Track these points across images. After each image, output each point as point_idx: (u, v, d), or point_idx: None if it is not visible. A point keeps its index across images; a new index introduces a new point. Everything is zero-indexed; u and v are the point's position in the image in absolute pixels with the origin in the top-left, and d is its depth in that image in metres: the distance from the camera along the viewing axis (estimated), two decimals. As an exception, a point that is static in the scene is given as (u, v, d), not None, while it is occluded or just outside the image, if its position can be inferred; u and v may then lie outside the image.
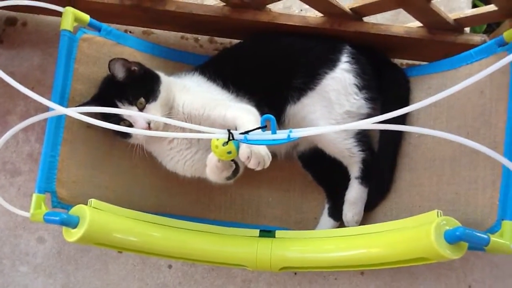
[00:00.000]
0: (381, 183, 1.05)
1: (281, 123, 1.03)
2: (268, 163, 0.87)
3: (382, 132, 1.06)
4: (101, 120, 0.95)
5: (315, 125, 1.01)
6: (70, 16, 0.99)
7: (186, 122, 0.99)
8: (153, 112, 0.94)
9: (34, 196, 0.93)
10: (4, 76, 0.80)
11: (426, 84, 1.08)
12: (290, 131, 0.78)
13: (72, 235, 0.86)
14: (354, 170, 1.05)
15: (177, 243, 0.98)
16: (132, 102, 0.94)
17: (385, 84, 1.08)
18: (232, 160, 0.97)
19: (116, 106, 0.94)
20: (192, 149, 1.02)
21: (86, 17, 1.02)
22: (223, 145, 0.82)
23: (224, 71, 1.05)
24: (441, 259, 0.78)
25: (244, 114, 0.92)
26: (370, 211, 1.06)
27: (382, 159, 1.06)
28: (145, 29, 1.25)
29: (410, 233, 0.82)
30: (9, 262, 1.15)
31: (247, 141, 0.79)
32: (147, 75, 0.99)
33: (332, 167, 1.08)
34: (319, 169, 1.11)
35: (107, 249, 1.15)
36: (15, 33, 1.29)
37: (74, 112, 0.79)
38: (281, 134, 0.78)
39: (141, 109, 0.95)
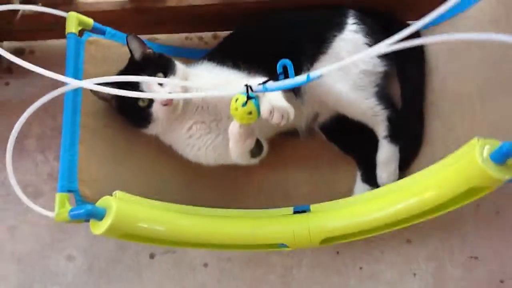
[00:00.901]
0: (412, 137, 1.01)
1: (298, 94, 1.01)
2: (292, 114, 0.83)
3: (404, 85, 1.03)
4: (120, 102, 0.96)
5: (333, 89, 0.99)
6: (74, 20, 1.00)
7: (202, 107, 0.99)
8: (172, 86, 0.93)
9: (57, 195, 0.89)
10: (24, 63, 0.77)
11: (439, 33, 1.05)
12: (308, 75, 0.75)
13: (99, 227, 0.83)
14: (381, 129, 1.01)
15: (208, 229, 0.94)
16: (151, 75, 0.92)
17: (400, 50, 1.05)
18: (257, 143, 0.95)
19: (135, 82, 0.92)
20: (211, 134, 0.99)
21: (90, 21, 1.03)
22: (243, 106, 0.79)
23: (232, 53, 1.04)
24: (493, 182, 0.73)
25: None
26: (405, 170, 1.01)
27: (408, 112, 1.02)
28: (149, 36, 1.26)
29: (456, 167, 0.77)
30: (40, 285, 1.11)
31: (266, 89, 0.77)
32: (162, 57, 0.99)
33: (358, 133, 1.04)
34: (345, 138, 1.07)
35: (139, 258, 1.10)
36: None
37: (91, 84, 0.77)
38: (300, 77, 0.75)
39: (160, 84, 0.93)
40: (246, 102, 0.79)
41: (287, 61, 0.76)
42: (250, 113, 0.80)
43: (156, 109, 0.93)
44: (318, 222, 0.93)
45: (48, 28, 1.20)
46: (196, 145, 1.00)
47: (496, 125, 0.90)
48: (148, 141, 1.03)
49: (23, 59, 1.30)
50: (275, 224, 0.95)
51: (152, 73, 0.93)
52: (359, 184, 1.04)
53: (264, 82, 0.77)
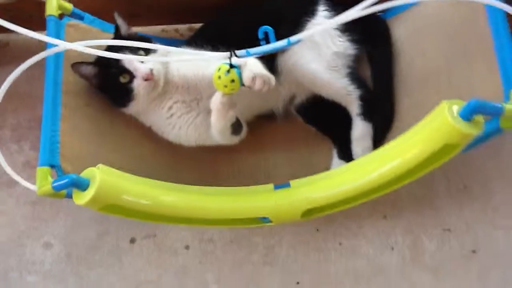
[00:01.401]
0: (384, 114, 1.06)
1: (275, 72, 1.04)
2: (273, 81, 0.87)
3: (373, 67, 1.09)
4: (101, 79, 0.98)
5: (307, 69, 1.03)
6: (54, 3, 1.01)
7: (183, 87, 1.01)
8: (153, 62, 0.95)
9: (38, 169, 0.89)
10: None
11: (402, 22, 1.11)
12: (288, 39, 0.79)
13: (83, 197, 0.82)
14: (354, 108, 1.05)
15: (192, 203, 0.94)
16: (132, 51, 0.93)
17: (369, 35, 1.11)
18: (236, 122, 0.97)
19: (118, 62, 0.94)
20: (192, 113, 1.02)
21: (69, 5, 1.04)
22: (226, 74, 0.82)
23: (210, 37, 1.07)
24: (464, 138, 0.77)
25: None
26: (379, 146, 1.04)
27: (379, 91, 1.07)
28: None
29: (430, 127, 0.80)
30: (16, 274, 1.08)
31: (249, 54, 0.80)
32: (143, 38, 1.02)
33: (333, 113, 1.09)
34: (320, 118, 1.11)
35: (119, 243, 1.09)
36: (8, 54, 1.30)
37: (78, 46, 0.78)
38: (281, 42, 0.79)
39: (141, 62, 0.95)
40: (229, 70, 0.82)
41: (268, 27, 0.80)
42: (232, 81, 0.83)
43: (137, 84, 0.95)
44: (299, 194, 0.95)
45: (26, 18, 1.20)
46: (177, 124, 1.02)
47: (462, 98, 0.95)
48: (128, 122, 1.04)
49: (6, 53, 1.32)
50: (257, 198, 0.96)
51: (134, 52, 0.95)
52: (336, 161, 1.08)
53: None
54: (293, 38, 0.78)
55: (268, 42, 0.82)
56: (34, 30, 1.05)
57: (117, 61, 0.94)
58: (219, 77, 0.83)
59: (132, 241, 1.10)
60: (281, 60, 1.04)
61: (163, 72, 0.97)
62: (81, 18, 1.07)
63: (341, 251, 1.06)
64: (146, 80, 0.94)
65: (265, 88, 0.85)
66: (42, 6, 1.05)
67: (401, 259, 1.05)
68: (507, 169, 1.10)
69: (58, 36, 1.00)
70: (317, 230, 1.08)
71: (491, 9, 0.89)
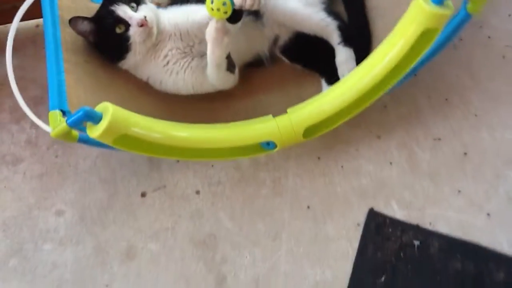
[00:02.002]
0: (362, 38, 1.15)
1: (258, 15, 1.12)
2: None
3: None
4: (98, 34, 1.03)
5: (287, 7, 1.12)
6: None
7: (175, 35, 1.07)
8: (145, 11, 1.01)
9: (50, 113, 0.92)
10: None
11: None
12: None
13: (96, 129, 0.86)
14: (335, 38, 1.14)
15: (201, 135, 1.00)
16: (125, 3, 1.01)
17: None
18: (230, 59, 1.05)
19: (111, 10, 1.01)
20: (187, 58, 1.08)
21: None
22: None
23: None
24: (441, 19, 0.87)
25: None
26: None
27: (354, 19, 1.17)
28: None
29: (409, 17, 0.89)
30: (31, 245, 1.08)
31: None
32: None
33: (315, 49, 1.17)
34: (305, 55, 1.19)
35: (130, 199, 1.12)
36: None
37: None
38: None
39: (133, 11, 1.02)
40: None
41: None
42: (224, 3, 0.90)
43: (133, 32, 1.00)
44: (298, 115, 1.01)
45: (11, 7, 1.26)
46: (174, 70, 1.08)
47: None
48: (127, 77, 1.10)
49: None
50: (260, 125, 1.02)
51: (127, 1, 1.02)
52: (325, 87, 1.15)
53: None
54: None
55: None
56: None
57: (112, 13, 1.00)
58: (212, 2, 0.90)
59: (143, 195, 1.12)
60: (262, 5, 1.12)
61: (155, 20, 1.04)
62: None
63: (344, 173, 1.12)
64: (141, 26, 1.00)
65: (255, 6, 0.92)
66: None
67: (401, 171, 1.11)
68: (479, 79, 1.21)
69: (52, 2, 1.05)
70: (319, 158, 1.14)
71: None
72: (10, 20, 1.30)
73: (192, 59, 1.08)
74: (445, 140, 1.14)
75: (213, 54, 1.00)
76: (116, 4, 1.02)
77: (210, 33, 0.97)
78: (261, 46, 1.17)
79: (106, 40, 1.04)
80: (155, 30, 1.03)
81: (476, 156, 1.12)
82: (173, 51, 1.07)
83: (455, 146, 1.13)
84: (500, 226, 1.03)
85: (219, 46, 0.98)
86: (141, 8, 1.02)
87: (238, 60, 1.13)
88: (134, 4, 1.03)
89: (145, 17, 1.00)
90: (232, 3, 0.91)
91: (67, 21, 1.04)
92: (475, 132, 1.14)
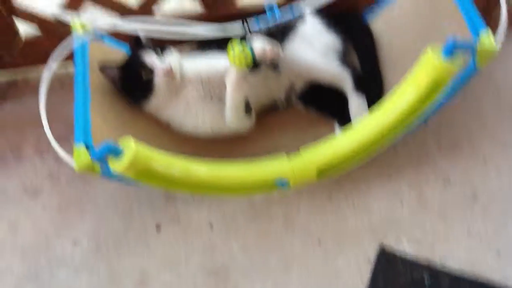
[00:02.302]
0: (374, 85, 1.21)
1: (277, 65, 1.19)
2: (281, 52, 1.03)
3: (359, 52, 1.26)
4: (124, 79, 1.11)
5: (303, 59, 1.19)
6: (78, 24, 1.16)
7: (197, 82, 1.14)
8: (171, 59, 1.10)
9: (75, 147, 0.96)
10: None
11: (379, 16, 1.31)
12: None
13: (119, 163, 0.90)
14: (348, 85, 1.20)
15: (218, 171, 1.04)
16: (151, 49, 1.09)
17: (351, 30, 1.29)
18: (246, 103, 1.12)
19: (138, 56, 1.09)
20: (207, 101, 1.15)
21: (90, 26, 1.20)
22: (239, 50, 0.98)
23: (216, 41, 1.22)
24: (450, 72, 0.93)
25: None
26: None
27: (367, 68, 1.23)
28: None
29: (420, 69, 0.96)
30: (47, 273, 1.10)
31: (259, 22, 0.96)
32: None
33: (329, 95, 1.23)
34: (320, 101, 1.25)
35: (145, 231, 1.14)
36: (18, 90, 1.43)
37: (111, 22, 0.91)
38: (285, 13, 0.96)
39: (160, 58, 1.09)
40: (242, 45, 0.98)
41: (273, 4, 0.97)
42: (245, 54, 0.99)
43: (158, 79, 1.08)
44: (312, 155, 1.06)
45: (45, 54, 1.35)
46: (194, 112, 1.14)
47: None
48: (149, 117, 1.16)
49: (17, 89, 1.45)
50: (274, 163, 1.06)
51: (154, 49, 1.10)
52: (339, 130, 1.19)
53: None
54: (296, 8, 0.95)
55: (273, 15, 0.98)
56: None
57: (139, 59, 1.09)
58: (233, 54, 0.98)
59: (158, 226, 1.15)
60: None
61: (179, 68, 1.11)
62: (101, 38, 1.22)
63: (355, 210, 1.14)
64: (165, 74, 1.08)
65: (275, 57, 1.00)
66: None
67: (411, 209, 1.13)
68: (488, 125, 1.25)
69: (83, 50, 1.13)
70: (330, 195, 1.17)
71: None
72: (44, 62, 1.42)
73: (212, 103, 1.15)
74: (454, 181, 1.17)
75: (232, 98, 1.07)
76: (144, 51, 1.10)
77: (230, 79, 1.05)
78: (278, 92, 1.24)
79: (131, 84, 1.11)
80: (178, 77, 1.11)
81: (485, 197, 1.14)
82: (194, 95, 1.14)
83: (465, 187, 1.16)
84: (510, 263, 1.03)
85: (238, 91, 1.06)
86: (166, 56, 1.10)
87: (254, 105, 1.19)
88: (160, 51, 1.11)
89: (170, 65, 1.08)
90: (253, 55, 0.99)
91: (97, 65, 1.12)
92: (484, 174, 1.17)
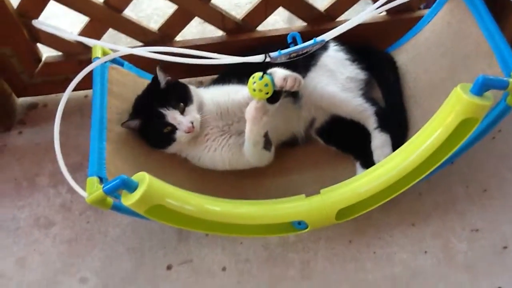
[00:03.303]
0: (399, 125, 1.16)
1: (296, 98, 1.16)
2: (302, 81, 0.98)
3: (383, 88, 1.22)
4: (146, 130, 1.08)
5: (325, 91, 1.15)
6: (98, 49, 1.15)
7: (216, 114, 1.11)
8: (192, 113, 1.07)
9: (88, 180, 0.94)
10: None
11: (404, 51, 1.28)
12: (314, 39, 0.92)
13: (132, 197, 0.87)
14: (371, 123, 1.15)
15: (233, 210, 0.99)
16: (174, 106, 1.05)
17: (375, 64, 1.26)
18: (267, 135, 1.07)
19: (161, 113, 1.05)
20: (226, 135, 1.12)
21: (111, 52, 1.19)
22: (260, 79, 0.94)
23: (236, 74, 1.19)
24: (480, 110, 0.87)
25: None
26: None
27: (391, 106, 1.19)
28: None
29: (447, 107, 0.90)
30: (52, 311, 1.07)
31: (280, 53, 0.92)
32: (178, 84, 1.12)
33: (351, 132, 1.18)
34: (340, 138, 1.20)
35: (155, 271, 1.10)
36: (37, 114, 1.42)
37: (141, 51, 0.89)
38: (308, 42, 0.92)
39: (182, 112, 1.06)
40: (263, 76, 0.94)
41: (296, 33, 0.93)
42: (266, 85, 0.94)
43: (179, 135, 1.06)
44: (331, 196, 1.00)
45: (64, 79, 1.34)
46: (212, 146, 1.11)
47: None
48: (163, 153, 1.13)
49: (36, 113, 1.45)
50: (292, 204, 1.02)
51: (176, 103, 1.06)
52: (360, 171, 1.14)
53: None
54: (319, 38, 0.91)
55: (296, 44, 0.95)
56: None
57: (163, 117, 1.05)
58: (254, 83, 0.94)
59: (169, 267, 1.10)
60: (302, 86, 1.16)
61: (199, 121, 1.08)
62: (121, 64, 1.20)
63: (376, 260, 1.08)
64: (188, 131, 1.05)
65: (295, 87, 0.96)
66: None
67: (436, 261, 1.07)
68: (519, 171, 1.18)
69: (103, 75, 1.12)
70: (350, 242, 1.11)
71: (472, 5, 1.06)
72: (62, 90, 1.41)
73: (230, 136, 1.11)
74: (483, 232, 1.10)
75: (252, 132, 1.03)
76: (166, 108, 1.05)
77: (250, 112, 1.00)
78: (298, 126, 1.20)
79: (152, 136, 1.09)
80: (198, 129, 1.08)
81: (516, 250, 1.07)
82: (213, 129, 1.11)
83: (494, 238, 1.09)
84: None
85: (257, 125, 1.01)
86: (188, 111, 1.07)
87: (274, 139, 1.15)
88: (182, 105, 1.07)
89: (192, 123, 1.05)
90: (273, 85, 0.95)
91: (113, 92, 1.10)
92: (516, 225, 1.10)
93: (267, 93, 0.96)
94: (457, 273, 1.05)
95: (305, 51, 0.94)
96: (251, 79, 0.95)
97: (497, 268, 1.05)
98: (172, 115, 1.05)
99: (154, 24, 1.84)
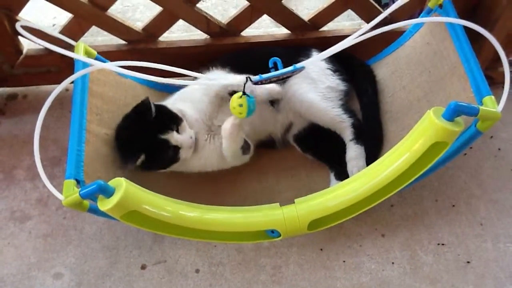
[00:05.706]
0: (374, 140, 1.19)
1: (276, 102, 1.19)
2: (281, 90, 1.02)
3: (361, 101, 1.25)
4: (149, 162, 1.07)
5: (305, 98, 1.18)
6: (81, 47, 1.15)
7: (200, 118, 1.13)
8: (186, 128, 1.09)
9: (65, 182, 0.95)
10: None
11: (384, 64, 1.30)
12: (294, 65, 0.95)
13: (108, 202, 0.89)
14: (348, 134, 1.18)
15: (208, 216, 1.01)
16: (172, 128, 1.06)
17: (355, 76, 1.28)
18: (245, 143, 1.11)
19: (164, 140, 1.05)
20: (211, 134, 1.14)
21: (94, 52, 1.19)
22: (240, 97, 0.97)
23: (228, 63, 1.19)
24: (450, 135, 0.91)
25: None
26: (372, 166, 1.16)
27: (368, 121, 1.21)
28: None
29: (419, 130, 0.93)
30: (24, 306, 1.08)
31: (261, 78, 0.94)
32: (161, 107, 1.10)
33: (328, 142, 1.21)
34: (316, 146, 1.23)
35: (129, 270, 1.12)
36: (17, 105, 1.42)
37: (112, 66, 0.90)
38: (288, 68, 0.94)
39: (178, 131, 1.07)
40: (241, 96, 0.97)
41: (276, 58, 0.96)
42: (240, 105, 0.97)
43: (184, 152, 1.08)
44: (305, 207, 1.03)
45: (45, 71, 1.34)
46: (203, 149, 1.13)
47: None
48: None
49: (17, 104, 1.44)
50: (267, 213, 1.04)
51: (170, 125, 1.06)
52: (333, 182, 1.17)
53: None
54: (299, 65, 0.94)
55: (277, 69, 0.97)
56: (50, 84, 1.16)
57: (167, 143, 1.05)
58: (233, 99, 0.98)
59: (143, 267, 1.12)
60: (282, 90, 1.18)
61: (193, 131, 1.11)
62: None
63: (345, 268, 1.12)
64: (191, 147, 1.09)
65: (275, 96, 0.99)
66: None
67: (402, 271, 1.11)
68: (487, 189, 1.22)
69: (84, 75, 1.12)
70: (321, 249, 1.14)
71: (452, 28, 1.09)
72: (43, 82, 1.40)
73: (215, 135, 1.14)
74: (449, 246, 1.14)
75: (229, 147, 1.07)
76: (166, 132, 1.05)
77: (226, 128, 1.04)
78: (274, 128, 1.23)
79: (158, 163, 1.09)
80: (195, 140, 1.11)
81: (479, 265, 1.11)
82: (199, 133, 1.13)
83: (459, 253, 1.13)
84: None
85: (234, 141, 1.05)
86: (182, 127, 1.08)
87: (252, 138, 1.18)
88: (175, 126, 1.07)
89: (193, 139, 1.09)
90: (250, 108, 0.98)
91: (94, 92, 1.11)
92: (480, 241, 1.14)
93: (241, 113, 0.98)
94: (422, 285, 1.09)
95: (285, 76, 0.96)
96: (234, 96, 0.98)
97: (459, 282, 1.09)
98: (173, 138, 1.06)
99: (139, 14, 1.85)
